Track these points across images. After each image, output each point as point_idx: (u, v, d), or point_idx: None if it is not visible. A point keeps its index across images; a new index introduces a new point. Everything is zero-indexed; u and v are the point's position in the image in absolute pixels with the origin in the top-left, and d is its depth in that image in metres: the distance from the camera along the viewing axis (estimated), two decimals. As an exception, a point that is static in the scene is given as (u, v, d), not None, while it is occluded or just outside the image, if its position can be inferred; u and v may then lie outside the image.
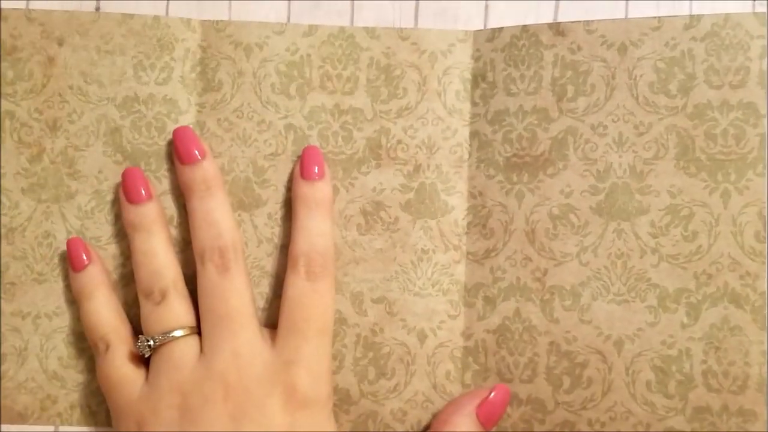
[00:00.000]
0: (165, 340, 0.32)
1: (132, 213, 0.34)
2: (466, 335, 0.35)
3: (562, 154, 0.34)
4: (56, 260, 0.36)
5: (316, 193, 0.34)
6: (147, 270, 0.34)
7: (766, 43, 0.34)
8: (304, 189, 0.35)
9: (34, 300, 0.36)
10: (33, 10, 0.36)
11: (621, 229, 0.34)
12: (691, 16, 0.34)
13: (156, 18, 0.37)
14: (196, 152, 0.34)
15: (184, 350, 0.32)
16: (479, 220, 0.35)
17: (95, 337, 0.34)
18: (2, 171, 0.36)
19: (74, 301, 0.35)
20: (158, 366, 0.33)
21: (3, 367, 0.36)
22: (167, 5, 0.38)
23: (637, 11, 0.36)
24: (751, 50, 0.33)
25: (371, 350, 0.35)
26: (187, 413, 0.31)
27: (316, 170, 0.35)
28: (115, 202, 0.36)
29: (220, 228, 0.33)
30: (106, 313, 0.34)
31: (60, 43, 0.36)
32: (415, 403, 0.35)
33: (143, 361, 0.34)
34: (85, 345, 0.36)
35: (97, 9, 0.37)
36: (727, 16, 0.34)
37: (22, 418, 0.36)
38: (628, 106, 0.34)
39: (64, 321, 0.36)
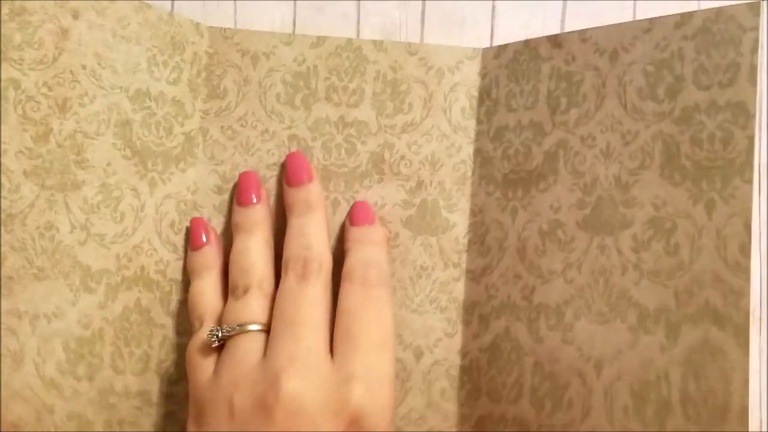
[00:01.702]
0: (233, 332, 0.32)
1: (239, 214, 0.36)
2: (462, 354, 0.35)
3: (553, 168, 0.34)
4: (58, 255, 0.34)
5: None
6: (237, 267, 0.34)
7: (758, 36, 0.32)
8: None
9: (32, 298, 0.33)
10: None
11: (604, 245, 0.33)
12: (682, 14, 0.32)
13: (170, 14, 0.36)
14: (305, 178, 0.35)
15: (249, 346, 0.32)
16: (478, 237, 0.35)
17: (194, 315, 0.35)
18: (3, 147, 0.33)
19: (75, 302, 0.34)
20: (224, 358, 0.32)
21: None
22: (172, 5, 0.37)
23: (644, 12, 0.36)
24: (743, 44, 0.31)
25: None
26: (238, 413, 0.31)
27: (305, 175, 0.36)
28: (123, 200, 0.35)
29: (309, 240, 0.34)
30: (210, 294, 0.35)
31: (75, 16, 0.34)
32: (409, 420, 0.35)
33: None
34: (85, 351, 0.34)
35: None
36: (719, 10, 0.32)
37: (15, 429, 0.33)
38: (616, 114, 0.33)
39: (64, 323, 0.34)
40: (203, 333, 0.33)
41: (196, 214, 0.37)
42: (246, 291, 0.34)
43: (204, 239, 0.36)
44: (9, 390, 0.32)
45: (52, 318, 0.33)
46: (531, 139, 0.34)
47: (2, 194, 0.33)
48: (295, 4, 0.38)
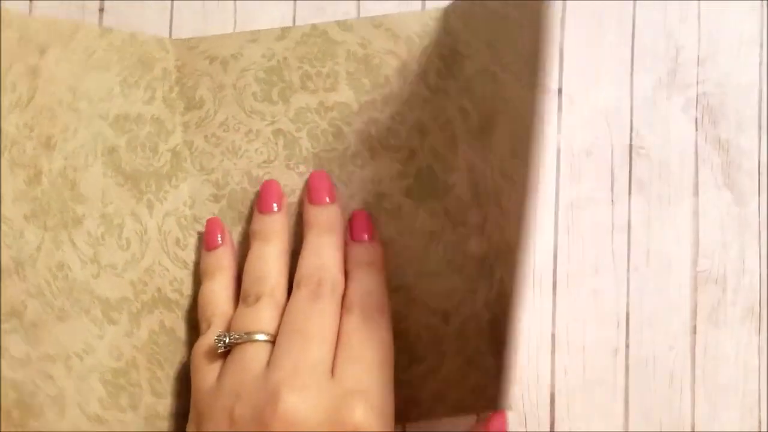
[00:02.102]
0: (240, 339, 0.32)
1: (258, 221, 0.35)
2: (487, 308, 0.36)
3: None
4: (76, 293, 0.33)
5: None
6: (251, 274, 0.34)
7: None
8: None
9: (59, 340, 0.32)
10: (7, 11, 0.32)
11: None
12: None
13: (132, 35, 0.35)
14: (327, 198, 0.35)
15: (255, 355, 0.32)
16: (475, 191, 0.36)
17: (202, 315, 0.34)
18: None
19: (102, 336, 0.34)
20: (229, 365, 0.32)
21: (41, 421, 0.31)
22: (171, 5, 0.37)
23: (644, 13, 0.37)
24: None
25: (398, 338, 0.34)
26: (237, 423, 0.30)
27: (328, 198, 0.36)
28: (125, 227, 0.35)
29: (325, 261, 0.34)
30: (221, 296, 0.35)
31: (42, 52, 0.33)
32: (451, 381, 0.36)
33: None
34: (123, 381, 0.34)
35: (101, 10, 0.36)
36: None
37: None
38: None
39: (96, 358, 0.33)
40: (210, 337, 0.33)
41: (198, 227, 0.36)
42: (258, 299, 0.33)
43: (219, 240, 0.36)
44: None
45: (84, 356, 0.33)
46: None
47: (6, 243, 0.31)
48: (295, 4, 0.37)
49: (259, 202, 0.36)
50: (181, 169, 0.36)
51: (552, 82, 0.37)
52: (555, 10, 0.37)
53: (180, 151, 0.36)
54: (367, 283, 0.34)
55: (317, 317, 0.32)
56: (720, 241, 0.37)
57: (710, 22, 0.38)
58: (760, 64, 0.37)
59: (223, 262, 0.35)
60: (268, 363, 0.31)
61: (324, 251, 0.34)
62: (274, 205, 0.35)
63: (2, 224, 0.32)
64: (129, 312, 0.35)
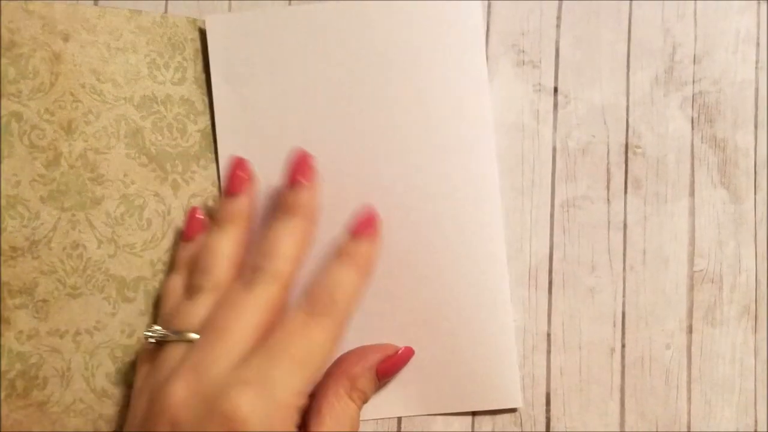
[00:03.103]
0: (167, 337, 0.31)
1: (220, 206, 0.34)
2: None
3: None
4: (89, 272, 0.34)
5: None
6: (198, 264, 0.33)
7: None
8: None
9: (71, 316, 0.34)
10: (31, 2, 0.34)
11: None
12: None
13: (163, 17, 0.36)
14: (300, 180, 0.33)
15: (175, 354, 0.30)
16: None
17: (159, 311, 0.34)
18: (16, 180, 0.33)
19: (114, 313, 0.34)
20: (153, 364, 0.31)
21: (46, 392, 0.33)
22: (166, 6, 0.37)
23: (641, 11, 0.37)
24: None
25: None
26: (140, 423, 0.29)
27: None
28: (146, 207, 0.35)
29: (273, 248, 0.31)
30: (178, 291, 0.33)
31: (65, 39, 0.34)
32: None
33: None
34: (133, 357, 0.34)
35: (95, 2, 0.36)
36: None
37: None
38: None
39: (107, 335, 0.34)
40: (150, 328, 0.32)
41: None
42: (198, 292, 0.32)
43: (194, 232, 0.35)
44: (61, 406, 0.33)
45: (94, 332, 0.34)
46: None
47: (23, 224, 0.33)
48: (290, 4, 0.37)
49: (224, 182, 0.34)
50: (210, 149, 0.37)
51: (548, 80, 0.37)
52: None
53: (209, 133, 0.37)
54: (334, 278, 0.32)
55: (238, 310, 0.30)
56: (716, 240, 0.37)
57: (707, 20, 0.37)
58: (757, 62, 0.37)
59: (241, 209, 0.34)
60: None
61: (278, 236, 0.32)
62: (238, 185, 0.34)
63: (18, 205, 0.33)
64: (145, 291, 0.35)
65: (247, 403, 0.27)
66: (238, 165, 0.34)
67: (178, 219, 0.36)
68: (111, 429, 0.34)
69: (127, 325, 0.35)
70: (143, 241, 0.35)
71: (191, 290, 0.33)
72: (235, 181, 0.34)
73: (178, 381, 0.28)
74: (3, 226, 0.33)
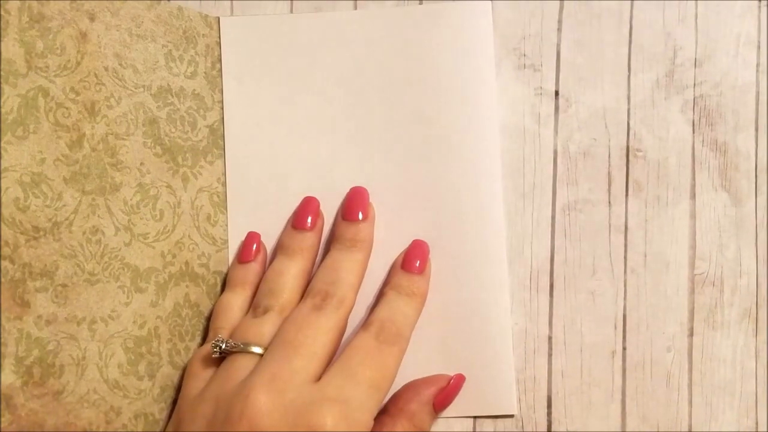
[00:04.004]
0: (234, 348, 0.32)
1: (288, 236, 0.36)
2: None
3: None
4: (107, 258, 0.34)
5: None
6: (267, 286, 0.35)
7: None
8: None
9: (88, 303, 0.33)
10: None
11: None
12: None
13: (180, 8, 0.37)
14: (360, 214, 0.35)
15: (243, 365, 0.32)
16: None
17: (213, 324, 0.35)
18: (40, 157, 0.32)
19: (128, 303, 0.34)
20: (218, 372, 0.32)
21: (62, 380, 0.32)
22: None
23: (642, 15, 0.37)
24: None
25: None
26: (211, 426, 0.30)
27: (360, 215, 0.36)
28: (160, 198, 0.35)
29: (339, 276, 0.34)
30: (236, 308, 0.35)
31: (92, 18, 0.34)
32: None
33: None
34: (144, 350, 0.34)
35: None
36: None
37: None
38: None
39: (120, 325, 0.34)
40: (209, 344, 0.33)
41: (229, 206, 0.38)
42: (266, 311, 0.34)
43: (253, 255, 0.36)
44: (76, 396, 0.32)
45: (109, 321, 0.34)
46: None
47: (46, 204, 0.32)
48: (292, 4, 0.38)
49: (295, 217, 0.36)
50: (217, 146, 0.37)
51: (549, 83, 0.37)
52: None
53: (217, 128, 0.37)
54: (395, 309, 0.34)
55: (311, 329, 0.32)
56: (717, 243, 0.37)
57: (708, 23, 0.37)
58: (758, 65, 0.37)
59: (249, 277, 0.36)
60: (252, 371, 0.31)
61: (341, 267, 0.34)
62: (308, 222, 0.36)
63: (42, 184, 0.32)
64: (156, 282, 0.35)
65: (332, 420, 0.29)
66: (309, 204, 0.36)
67: (187, 212, 0.36)
68: (120, 421, 0.33)
69: (139, 315, 0.34)
70: (156, 231, 0.35)
71: (257, 308, 0.34)
72: (305, 217, 0.36)
73: (260, 390, 0.29)
74: (26, 204, 0.32)
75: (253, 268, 0.36)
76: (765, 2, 0.37)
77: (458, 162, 0.36)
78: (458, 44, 0.37)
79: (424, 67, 0.37)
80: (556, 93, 0.37)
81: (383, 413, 0.34)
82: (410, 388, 0.35)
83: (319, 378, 0.31)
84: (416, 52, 0.37)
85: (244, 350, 0.32)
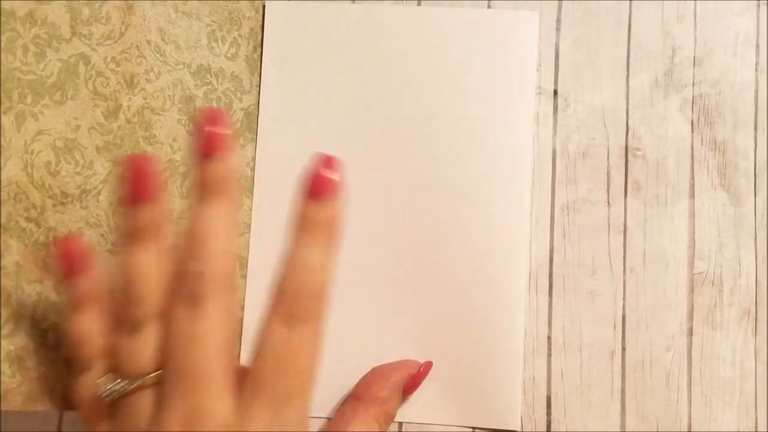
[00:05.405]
0: (126, 388, 0.26)
1: (125, 217, 0.27)
2: None
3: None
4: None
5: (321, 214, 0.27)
6: (125, 292, 0.27)
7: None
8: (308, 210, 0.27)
9: (108, 275, 0.31)
10: None
11: None
12: None
13: None
14: (218, 149, 0.27)
15: (142, 404, 0.26)
16: None
17: (79, 354, 0.28)
18: (76, 123, 0.32)
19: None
20: (118, 419, 0.26)
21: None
22: None
23: (641, 14, 0.37)
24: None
25: None
26: None
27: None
28: (188, 175, 0.35)
29: (205, 243, 0.26)
30: (95, 330, 0.28)
31: None
32: None
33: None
34: None
35: None
36: None
37: None
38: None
39: None
40: (92, 380, 0.27)
41: (256, 191, 0.37)
42: (139, 326, 0.26)
43: (83, 265, 0.28)
44: None
45: None
46: None
47: (77, 170, 0.32)
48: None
49: (126, 190, 0.27)
50: (250, 129, 0.38)
51: (548, 83, 0.37)
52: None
53: (252, 112, 0.38)
54: (303, 263, 0.26)
55: (201, 343, 0.25)
56: (716, 243, 0.37)
57: (706, 22, 0.37)
58: (757, 64, 0.37)
59: (93, 290, 0.28)
60: (155, 406, 0.26)
61: (204, 226, 0.26)
62: (147, 190, 0.26)
63: (74, 150, 0.32)
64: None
65: None
66: (143, 162, 0.27)
67: None
68: None
69: None
70: (180, 209, 0.35)
71: (125, 324, 0.27)
72: (141, 184, 0.27)
73: None
74: (57, 168, 0.31)
75: (93, 277, 0.28)
76: (764, 1, 0.37)
77: (490, 167, 0.37)
78: (504, 52, 0.37)
79: (466, 71, 0.37)
80: (555, 92, 0.37)
81: (355, 399, 0.34)
82: (379, 373, 0.35)
83: (231, 393, 0.26)
84: (462, 54, 0.37)
85: (138, 387, 0.26)
